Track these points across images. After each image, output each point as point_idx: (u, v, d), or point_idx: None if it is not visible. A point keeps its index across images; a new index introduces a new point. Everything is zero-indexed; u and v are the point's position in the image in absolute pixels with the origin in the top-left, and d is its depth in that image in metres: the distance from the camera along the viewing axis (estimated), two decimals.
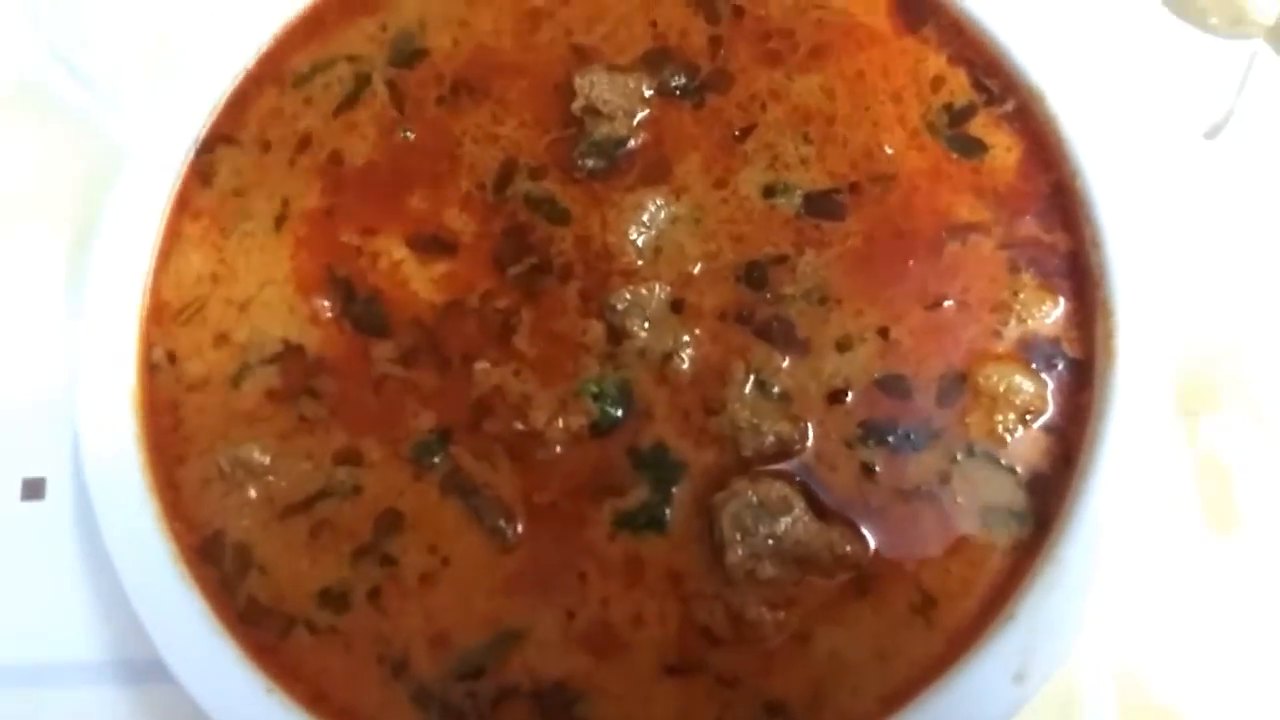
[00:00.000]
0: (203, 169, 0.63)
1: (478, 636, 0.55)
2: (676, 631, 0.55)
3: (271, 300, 0.61)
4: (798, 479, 0.56)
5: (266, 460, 0.58)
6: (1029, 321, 0.58)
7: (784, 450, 0.56)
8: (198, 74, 0.64)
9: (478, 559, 0.56)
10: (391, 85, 0.64)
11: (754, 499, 0.54)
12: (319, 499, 0.57)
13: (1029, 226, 0.60)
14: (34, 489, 0.63)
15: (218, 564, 0.57)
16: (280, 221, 0.62)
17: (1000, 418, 0.57)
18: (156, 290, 0.61)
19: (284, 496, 0.58)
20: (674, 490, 0.56)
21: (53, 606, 0.62)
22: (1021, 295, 0.58)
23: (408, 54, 0.65)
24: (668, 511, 0.56)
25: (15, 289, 0.68)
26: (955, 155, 0.61)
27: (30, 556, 0.62)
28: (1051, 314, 0.58)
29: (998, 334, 0.58)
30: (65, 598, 0.62)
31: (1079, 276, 0.59)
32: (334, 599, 0.56)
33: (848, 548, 0.54)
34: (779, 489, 0.55)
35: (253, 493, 0.58)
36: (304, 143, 0.63)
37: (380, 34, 0.66)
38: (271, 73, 0.65)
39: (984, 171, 0.61)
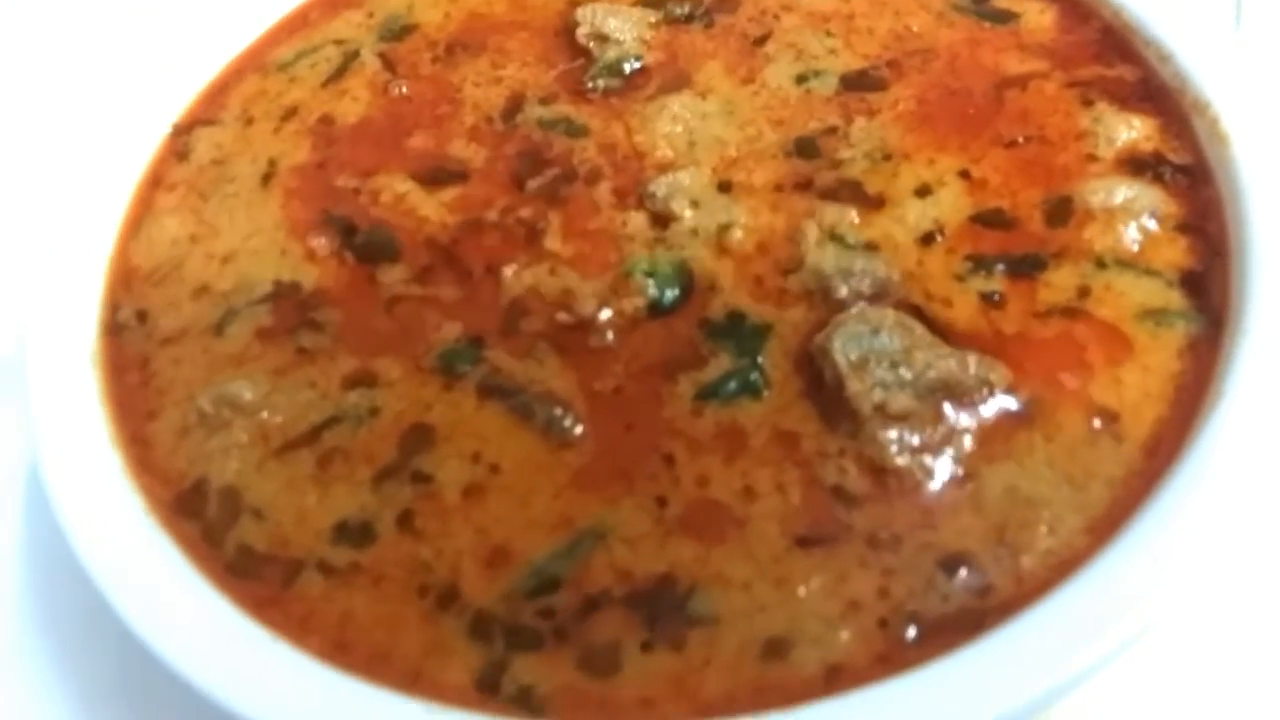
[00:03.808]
0: (179, 148, 0.57)
1: (547, 544, 0.42)
2: (801, 499, 0.42)
3: (260, 247, 0.52)
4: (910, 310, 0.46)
5: (257, 397, 0.47)
6: (1119, 142, 0.51)
7: (883, 290, 0.47)
8: (174, 66, 0.60)
9: (535, 459, 0.44)
10: (382, 56, 0.60)
11: (864, 327, 0.44)
12: (326, 427, 0.46)
13: (1088, 67, 0.55)
14: None
15: (199, 515, 0.44)
16: (267, 179, 0.55)
17: (1123, 227, 0.48)
18: (124, 257, 0.53)
19: (281, 432, 0.46)
20: (762, 353, 0.46)
21: None
22: (1104, 120, 0.52)
23: (397, 30, 0.61)
24: (759, 375, 0.45)
25: None
26: (988, 24, 0.57)
27: None
28: (1143, 130, 0.52)
29: (1092, 156, 0.51)
30: None
31: (1158, 95, 0.53)
32: (354, 531, 0.43)
33: (991, 373, 0.44)
34: (892, 315, 0.45)
35: (242, 433, 0.46)
36: (290, 112, 0.58)
37: (367, 20, 0.63)
38: (253, 64, 0.61)
39: (1023, 32, 0.57)
